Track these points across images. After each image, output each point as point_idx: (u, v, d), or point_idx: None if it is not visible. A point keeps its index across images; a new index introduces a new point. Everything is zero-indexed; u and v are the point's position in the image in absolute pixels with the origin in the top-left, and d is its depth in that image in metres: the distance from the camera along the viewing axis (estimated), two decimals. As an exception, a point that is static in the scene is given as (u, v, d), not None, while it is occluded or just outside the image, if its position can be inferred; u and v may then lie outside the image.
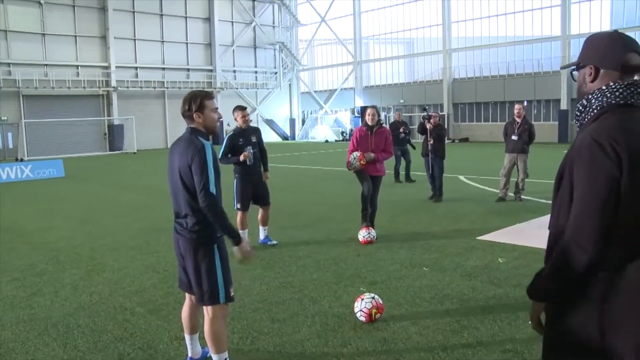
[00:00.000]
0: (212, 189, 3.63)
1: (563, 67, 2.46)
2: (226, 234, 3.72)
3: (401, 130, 15.26)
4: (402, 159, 15.31)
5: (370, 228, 8.19)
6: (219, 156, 7.61)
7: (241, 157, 7.57)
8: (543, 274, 2.09)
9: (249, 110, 7.87)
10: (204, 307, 3.88)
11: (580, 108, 2.14)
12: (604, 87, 2.06)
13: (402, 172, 15.42)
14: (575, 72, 2.22)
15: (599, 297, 1.97)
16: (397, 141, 15.25)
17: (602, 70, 2.08)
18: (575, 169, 1.99)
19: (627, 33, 2.11)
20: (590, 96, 2.10)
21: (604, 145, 1.91)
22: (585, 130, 2.03)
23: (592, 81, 2.10)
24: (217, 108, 3.89)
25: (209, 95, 3.88)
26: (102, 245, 8.56)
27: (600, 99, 2.06)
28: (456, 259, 7.09)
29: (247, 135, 7.74)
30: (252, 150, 7.66)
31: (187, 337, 4.25)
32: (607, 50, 2.07)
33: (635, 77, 2.09)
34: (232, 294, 3.87)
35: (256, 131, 7.98)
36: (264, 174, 8.05)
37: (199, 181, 3.62)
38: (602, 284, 1.96)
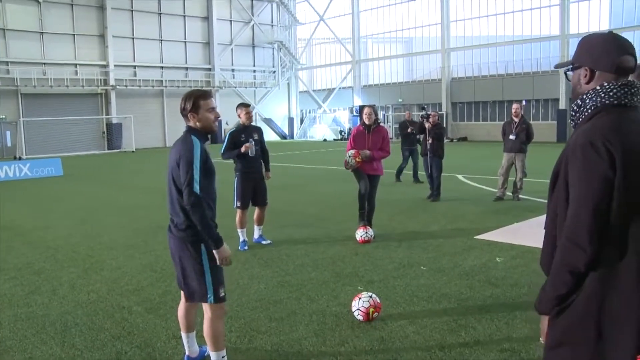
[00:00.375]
0: (196, 188, 3.61)
1: (557, 66, 2.47)
2: (206, 235, 3.66)
3: (409, 130, 14.88)
4: (409, 159, 15.06)
5: (368, 227, 8.20)
6: (221, 151, 7.68)
7: (242, 149, 7.59)
8: (546, 284, 2.10)
9: (248, 109, 7.89)
10: (203, 305, 3.88)
11: (575, 108, 2.16)
12: (598, 88, 2.08)
13: (405, 172, 15.30)
14: (569, 73, 2.23)
15: (596, 295, 1.98)
16: (406, 141, 15.04)
17: (597, 72, 2.09)
18: (570, 168, 2.00)
19: (625, 33, 2.13)
20: (584, 96, 2.12)
21: (597, 145, 1.92)
22: (579, 130, 2.04)
23: (587, 82, 2.12)
24: (214, 108, 3.85)
25: (205, 95, 3.84)
26: (100, 244, 8.56)
27: (594, 99, 2.08)
28: (454, 258, 7.10)
29: (249, 132, 7.78)
30: (254, 143, 7.69)
31: (183, 335, 4.25)
32: (601, 53, 2.08)
33: (629, 78, 2.10)
34: (221, 294, 3.83)
35: (258, 130, 8.02)
36: (265, 174, 8.08)
37: (184, 179, 3.62)
38: (598, 282, 1.98)
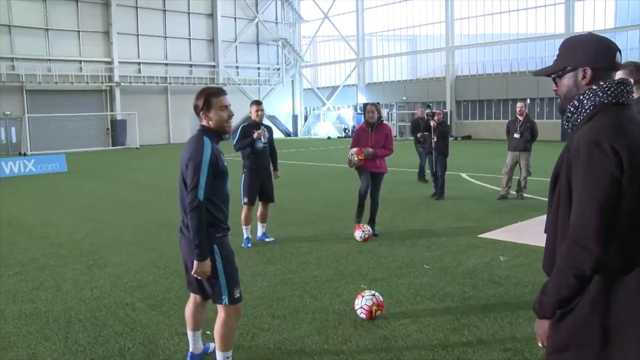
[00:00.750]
0: (200, 194, 3.52)
1: (537, 74, 2.34)
2: (196, 244, 3.55)
3: (418, 135, 14.13)
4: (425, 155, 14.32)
5: (363, 225, 8.16)
6: (234, 142, 7.87)
7: (255, 135, 7.76)
8: (548, 287, 2.04)
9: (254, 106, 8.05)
10: (217, 306, 3.81)
11: (572, 109, 2.11)
12: (595, 87, 2.05)
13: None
14: (557, 79, 2.17)
15: (602, 298, 1.95)
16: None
17: (598, 71, 2.06)
18: (573, 170, 1.96)
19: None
20: (581, 97, 2.08)
21: (603, 145, 1.89)
22: (581, 131, 2.00)
23: (588, 83, 2.08)
24: (226, 106, 3.73)
25: (217, 93, 3.72)
26: (103, 240, 8.57)
27: (592, 98, 2.04)
28: (457, 256, 7.08)
29: (259, 129, 7.93)
30: (265, 131, 7.89)
31: (189, 333, 4.21)
32: (599, 51, 2.06)
33: (620, 75, 2.08)
34: (236, 295, 3.75)
35: (268, 129, 8.17)
36: (274, 173, 8.22)
37: (190, 182, 3.55)
38: (604, 285, 1.94)
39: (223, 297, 3.71)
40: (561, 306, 2.02)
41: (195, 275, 3.67)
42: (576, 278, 1.92)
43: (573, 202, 1.96)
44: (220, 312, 3.80)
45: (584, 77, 2.08)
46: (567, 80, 2.13)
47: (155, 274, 6.63)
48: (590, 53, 2.07)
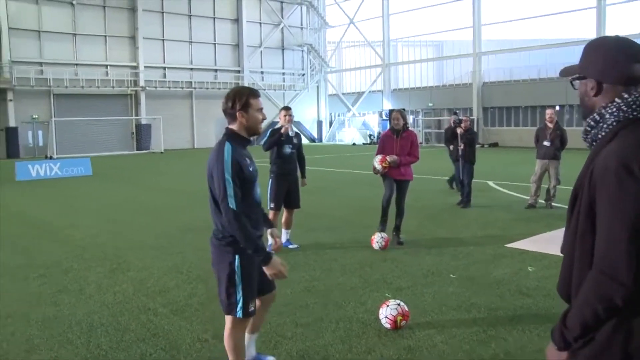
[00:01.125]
0: (232, 203, 3.40)
1: (563, 73, 2.16)
2: (251, 251, 3.45)
3: (451, 147, 13.97)
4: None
5: (375, 235, 8.00)
6: (262, 143, 8.05)
7: (282, 130, 7.90)
8: (571, 317, 1.89)
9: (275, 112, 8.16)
10: (226, 316, 3.73)
11: (592, 123, 1.96)
12: (618, 100, 1.89)
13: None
14: (576, 82, 2.04)
15: (624, 320, 1.81)
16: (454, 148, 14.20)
17: (605, 85, 1.92)
18: (598, 194, 1.81)
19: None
20: (603, 111, 1.92)
21: (632, 167, 1.74)
22: (606, 151, 1.84)
23: (596, 95, 1.94)
24: (262, 108, 3.68)
25: (255, 94, 3.66)
26: (126, 244, 8.60)
27: (616, 113, 1.88)
28: (484, 266, 6.94)
29: (288, 134, 8.03)
30: (292, 126, 8.10)
31: (246, 336, 4.00)
32: (608, 64, 1.90)
33: None
34: (251, 309, 3.65)
35: (297, 135, 8.28)
36: (301, 180, 8.27)
37: (218, 194, 3.45)
38: (626, 310, 1.81)
39: (237, 310, 3.61)
40: (585, 336, 1.88)
41: (276, 278, 3.58)
42: (606, 311, 1.79)
43: (599, 228, 1.82)
44: (229, 322, 3.71)
45: (592, 87, 1.95)
46: (581, 87, 2.01)
47: (178, 279, 6.61)
48: (601, 65, 1.92)
